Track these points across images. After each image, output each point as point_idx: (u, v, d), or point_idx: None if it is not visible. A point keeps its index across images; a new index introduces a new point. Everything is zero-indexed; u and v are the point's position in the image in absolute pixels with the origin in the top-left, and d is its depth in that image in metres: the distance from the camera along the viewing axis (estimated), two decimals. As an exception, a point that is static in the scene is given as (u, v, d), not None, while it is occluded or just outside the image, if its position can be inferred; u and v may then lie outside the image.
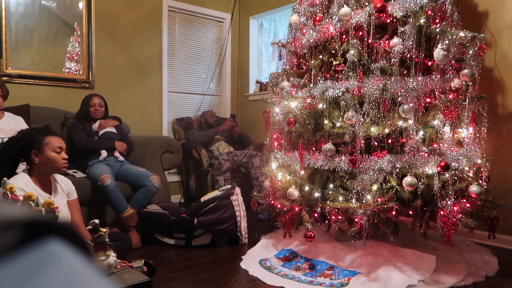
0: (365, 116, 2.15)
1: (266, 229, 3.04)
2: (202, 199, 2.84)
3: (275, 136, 2.65)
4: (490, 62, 2.78)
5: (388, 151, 2.13)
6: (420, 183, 2.01)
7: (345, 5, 2.37)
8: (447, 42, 2.14)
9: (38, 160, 1.95)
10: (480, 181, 2.13)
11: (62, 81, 3.61)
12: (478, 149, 2.22)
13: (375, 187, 2.05)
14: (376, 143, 2.16)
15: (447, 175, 2.01)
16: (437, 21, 2.23)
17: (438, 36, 2.18)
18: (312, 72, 2.48)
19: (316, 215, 2.23)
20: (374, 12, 2.23)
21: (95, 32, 3.74)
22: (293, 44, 2.72)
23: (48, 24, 3.55)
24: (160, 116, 4.25)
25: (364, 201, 2.01)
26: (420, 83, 2.12)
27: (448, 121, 2.14)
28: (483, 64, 2.72)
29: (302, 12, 2.66)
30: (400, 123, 2.13)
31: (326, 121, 2.28)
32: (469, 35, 2.26)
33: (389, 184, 2.08)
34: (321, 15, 2.54)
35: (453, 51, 2.15)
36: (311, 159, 2.29)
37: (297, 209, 2.32)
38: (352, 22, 2.30)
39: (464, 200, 2.08)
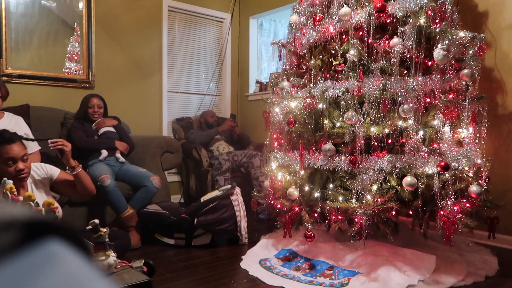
0: (365, 116, 2.15)
1: (266, 229, 3.04)
2: (202, 199, 2.83)
3: (275, 136, 2.65)
4: (490, 62, 2.78)
5: (388, 151, 2.13)
6: (420, 183, 2.01)
7: (345, 5, 2.37)
8: (447, 42, 2.14)
9: None
10: (480, 181, 2.13)
11: (62, 81, 3.61)
12: (478, 149, 2.22)
13: (375, 187, 2.05)
14: (376, 143, 2.16)
15: (447, 175, 2.01)
16: (437, 21, 2.23)
17: (438, 36, 2.17)
18: (312, 72, 2.48)
19: (316, 215, 2.23)
20: (374, 12, 2.23)
21: (95, 32, 3.74)
22: (293, 44, 2.72)
23: (48, 24, 3.55)
24: (160, 116, 4.25)
25: (364, 201, 2.01)
26: (420, 83, 2.12)
27: (448, 121, 2.14)
28: (483, 64, 2.72)
29: (302, 12, 2.66)
30: (400, 123, 2.13)
31: (326, 121, 2.28)
32: (469, 35, 2.26)
33: (389, 184, 2.08)
34: (321, 15, 2.54)
35: (453, 51, 2.15)
36: (311, 159, 2.29)
37: (297, 209, 2.32)
38: (352, 22, 2.30)
39: (464, 200, 2.08)
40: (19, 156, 1.87)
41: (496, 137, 2.72)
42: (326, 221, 2.33)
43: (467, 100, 2.19)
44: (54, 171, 2.12)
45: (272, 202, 2.52)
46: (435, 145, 2.15)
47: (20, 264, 0.20)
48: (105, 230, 1.64)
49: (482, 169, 2.19)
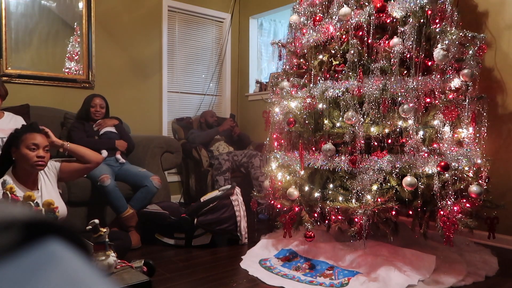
0: (365, 116, 2.15)
1: (266, 229, 3.04)
2: (202, 199, 2.83)
3: (275, 136, 2.65)
4: (490, 62, 2.78)
5: (388, 151, 2.13)
6: (420, 183, 2.01)
7: (345, 5, 2.37)
8: (447, 42, 2.14)
9: (15, 157, 1.97)
10: (480, 181, 2.13)
11: (62, 81, 3.61)
12: (478, 149, 2.22)
13: (375, 187, 2.05)
14: (376, 143, 2.16)
15: (447, 175, 2.01)
16: (437, 21, 2.23)
17: (438, 36, 2.18)
18: (312, 72, 2.48)
19: (316, 215, 2.23)
20: (374, 12, 2.23)
21: (95, 32, 3.74)
22: (293, 44, 2.72)
23: (48, 24, 3.55)
24: (160, 116, 4.25)
25: (364, 201, 2.01)
26: (420, 83, 2.12)
27: (448, 121, 2.14)
28: (483, 64, 2.72)
29: (302, 12, 2.66)
30: (400, 123, 2.13)
31: (326, 121, 2.28)
32: (469, 35, 2.26)
33: (389, 184, 2.08)
34: (321, 15, 2.54)
35: (453, 51, 2.15)
36: (311, 159, 2.29)
37: (297, 209, 2.32)
38: (352, 22, 2.30)
39: (464, 200, 2.08)
40: (42, 144, 1.98)
41: (496, 137, 2.72)
42: (326, 221, 2.33)
43: (467, 100, 2.19)
44: (57, 163, 2.21)
45: (272, 202, 2.52)
46: (435, 145, 2.15)
47: (20, 264, 0.20)
48: (105, 230, 1.64)
49: (482, 169, 2.19)
